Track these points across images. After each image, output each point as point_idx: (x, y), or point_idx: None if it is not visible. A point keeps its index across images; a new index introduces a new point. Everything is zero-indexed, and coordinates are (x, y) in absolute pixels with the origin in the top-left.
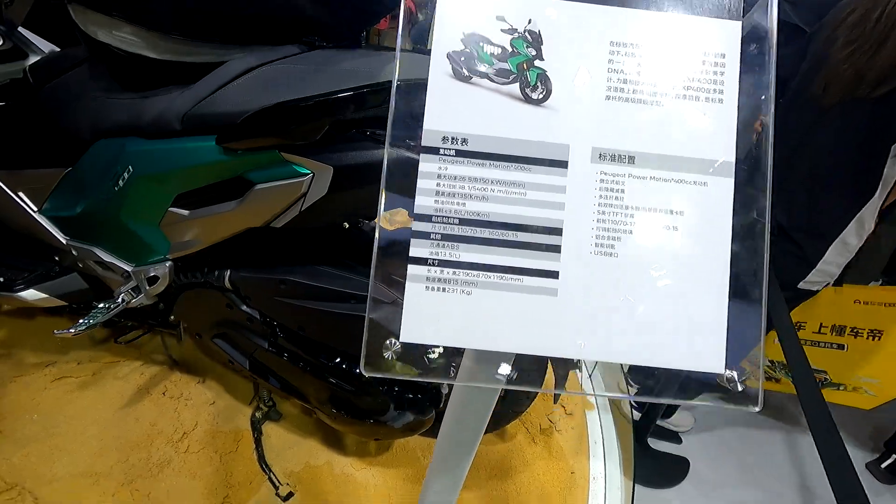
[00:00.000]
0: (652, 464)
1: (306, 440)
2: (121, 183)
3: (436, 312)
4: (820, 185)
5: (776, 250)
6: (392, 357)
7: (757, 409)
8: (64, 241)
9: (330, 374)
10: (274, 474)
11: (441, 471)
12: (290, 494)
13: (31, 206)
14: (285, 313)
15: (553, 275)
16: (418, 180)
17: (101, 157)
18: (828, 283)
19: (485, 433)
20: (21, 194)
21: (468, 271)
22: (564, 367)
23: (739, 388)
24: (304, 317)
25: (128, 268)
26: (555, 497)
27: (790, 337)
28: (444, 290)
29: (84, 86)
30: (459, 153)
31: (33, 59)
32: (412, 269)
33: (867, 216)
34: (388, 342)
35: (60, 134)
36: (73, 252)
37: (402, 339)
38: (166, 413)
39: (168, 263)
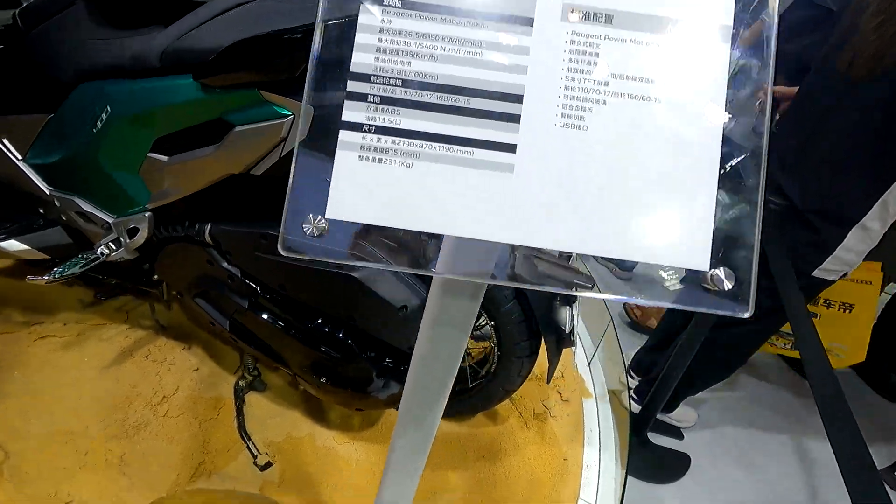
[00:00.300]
0: (651, 458)
1: (290, 411)
2: (99, 125)
3: (369, 186)
4: (839, 167)
5: (789, 235)
6: (314, 234)
7: (747, 313)
8: (47, 192)
9: (312, 339)
10: (253, 443)
11: (408, 423)
12: (269, 464)
13: (15, 155)
14: (266, 271)
15: (510, 148)
16: (356, 34)
17: (82, 101)
18: (845, 273)
19: (475, 413)
20: (5, 141)
21: (410, 140)
22: (558, 344)
23: (727, 287)
24: (285, 275)
25: (108, 219)
26: (545, 483)
27: (804, 326)
28: (380, 160)
29: (70, 29)
30: (406, 4)
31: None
32: (344, 135)
33: (892, 200)
34: (310, 217)
35: (45, 78)
36: (56, 203)
37: (328, 214)
38: (148, 376)
39: (148, 214)
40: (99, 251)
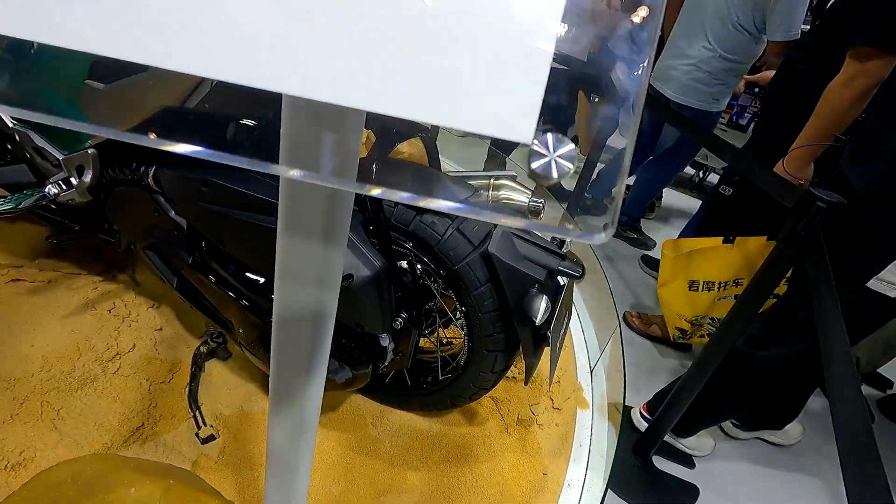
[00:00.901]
0: (653, 485)
1: (249, 384)
2: (36, 45)
3: None
4: None
5: (839, 230)
6: None
7: (603, 235)
8: (10, 125)
9: (256, 307)
10: (200, 413)
11: (280, 401)
12: (211, 437)
13: None
14: (208, 222)
15: None
16: None
17: None
18: None
19: (444, 408)
20: None
21: None
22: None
23: (553, 178)
24: (224, 227)
25: (59, 155)
26: (516, 497)
27: (835, 345)
28: None
29: None
30: None
31: None
32: None
33: None
34: None
35: None
36: (17, 137)
37: None
38: (105, 330)
39: (91, 152)
40: (48, 189)
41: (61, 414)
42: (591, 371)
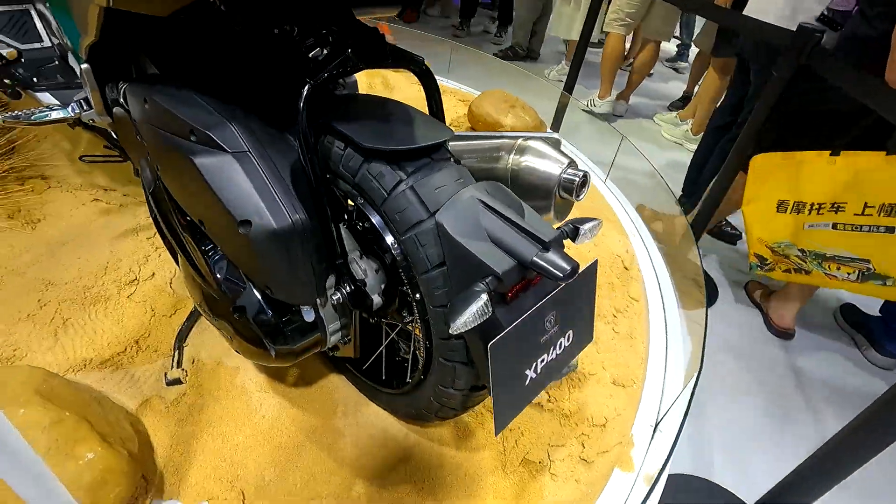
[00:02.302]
0: None
1: None
2: None
3: None
4: None
5: None
6: None
7: None
8: (54, 42)
9: (189, 253)
10: (180, 354)
11: None
12: (177, 381)
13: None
14: (149, 144)
15: None
16: None
17: None
18: None
19: (409, 419)
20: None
21: None
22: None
23: None
24: (158, 152)
25: (78, 70)
26: None
27: None
28: None
29: None
30: None
31: None
32: None
33: None
34: None
35: None
36: (58, 51)
37: None
38: (135, 255)
39: (85, 66)
40: (70, 107)
41: (66, 324)
42: (656, 425)
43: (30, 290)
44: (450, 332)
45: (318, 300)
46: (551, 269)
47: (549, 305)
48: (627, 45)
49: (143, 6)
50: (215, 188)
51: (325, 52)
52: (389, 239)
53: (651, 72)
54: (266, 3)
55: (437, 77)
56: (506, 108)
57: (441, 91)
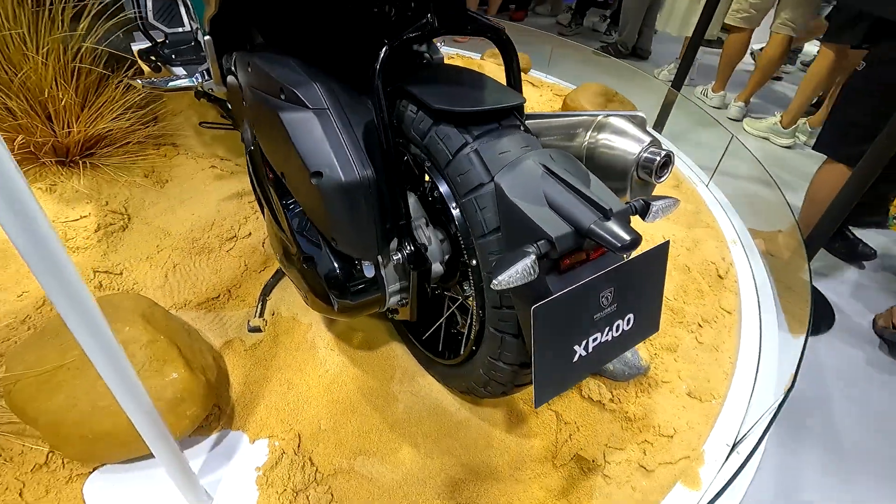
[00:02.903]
0: None
1: None
2: None
3: None
4: None
5: None
6: None
7: None
8: (193, 27)
9: (275, 209)
10: (263, 305)
11: None
12: (257, 329)
13: None
14: (251, 107)
15: None
16: None
17: None
18: None
19: (461, 392)
20: None
21: None
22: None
23: None
24: (252, 113)
25: (202, 43)
26: None
27: None
28: None
29: None
30: None
31: None
32: None
33: None
34: None
35: None
36: (194, 34)
37: None
38: (238, 216)
39: (206, 38)
40: (195, 77)
41: (175, 268)
42: (734, 445)
43: (152, 237)
44: (492, 286)
45: (379, 258)
46: (609, 237)
47: (607, 281)
48: (756, 46)
49: None
50: (295, 141)
51: (405, 15)
52: (452, 205)
53: (781, 72)
54: None
55: (537, 72)
56: (602, 101)
57: (538, 85)
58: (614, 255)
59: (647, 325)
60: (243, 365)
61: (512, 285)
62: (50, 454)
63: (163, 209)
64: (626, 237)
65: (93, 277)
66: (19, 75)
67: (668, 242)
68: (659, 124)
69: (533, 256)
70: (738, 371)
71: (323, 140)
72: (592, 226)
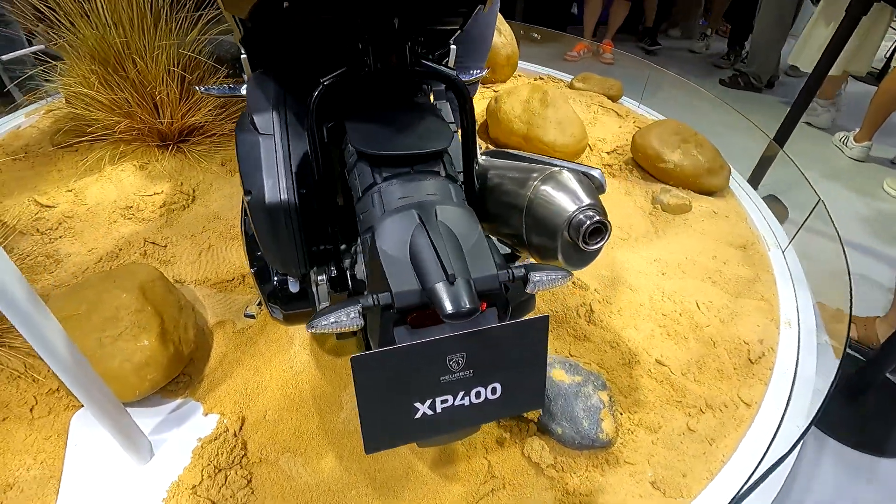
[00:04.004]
0: None
1: None
2: None
3: None
4: None
5: None
6: None
7: None
8: None
9: None
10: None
11: None
12: (251, 316)
13: None
14: None
15: None
16: None
17: None
18: None
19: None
20: None
21: None
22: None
23: None
24: None
25: None
26: None
27: None
28: None
29: None
30: None
31: None
32: None
33: None
34: None
35: None
36: None
37: None
38: None
39: (243, 56)
40: (241, 88)
41: (209, 249)
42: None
43: (203, 218)
44: (307, 329)
45: (312, 276)
46: (441, 302)
47: (454, 344)
48: None
49: (232, 9)
50: (239, 160)
51: (348, 55)
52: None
53: None
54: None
55: (629, 101)
56: (676, 141)
57: (624, 115)
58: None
59: (524, 399)
60: (226, 345)
61: (326, 331)
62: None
63: (223, 195)
64: (452, 307)
65: (142, 245)
66: (134, 71)
67: (545, 318)
68: (754, 177)
69: (359, 306)
70: (725, 474)
71: (259, 163)
72: (432, 286)
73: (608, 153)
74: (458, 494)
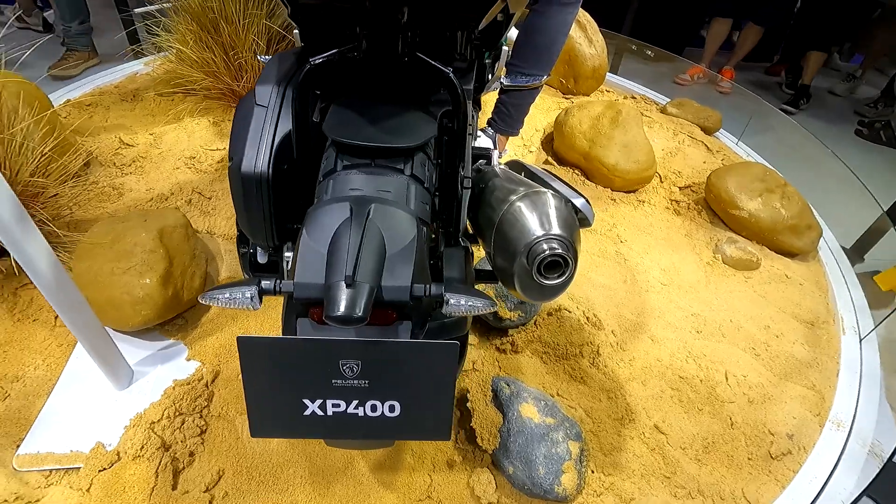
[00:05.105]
0: None
1: None
2: None
3: None
4: None
5: None
6: None
7: None
8: None
9: None
10: None
11: None
12: None
13: None
14: None
15: None
16: None
17: None
18: None
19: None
20: None
21: None
22: None
23: None
24: None
25: None
26: None
27: None
28: None
29: None
30: None
31: None
32: None
33: None
34: None
35: None
36: None
37: None
38: None
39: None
40: None
41: None
42: None
43: None
44: (199, 299)
45: (281, 250)
46: (329, 301)
47: (347, 350)
48: None
49: None
50: (233, 125)
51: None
52: None
53: None
54: None
55: (727, 136)
56: (758, 188)
57: (715, 150)
58: (376, 328)
59: (428, 426)
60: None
61: (219, 305)
62: None
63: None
64: (334, 308)
65: (190, 193)
66: (226, 34)
67: (454, 344)
68: (858, 247)
69: (256, 288)
70: None
71: (245, 131)
72: (329, 283)
73: (680, 188)
74: (391, 503)
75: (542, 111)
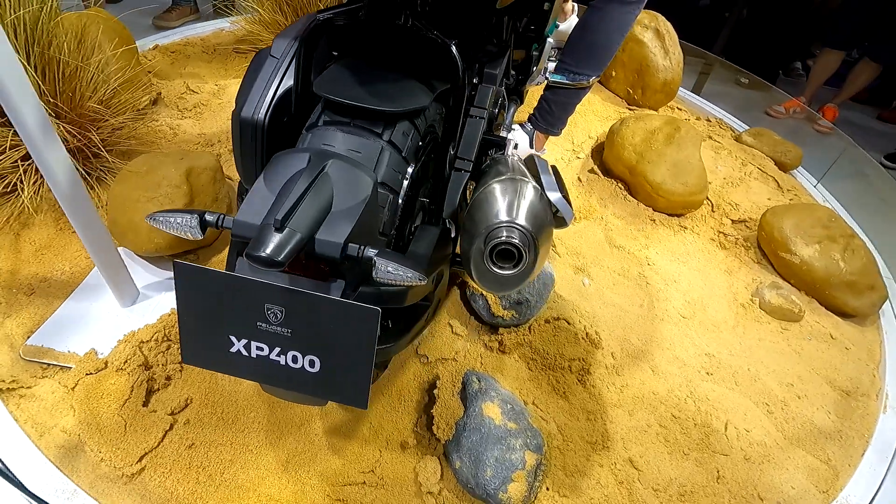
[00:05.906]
0: None
1: None
2: None
3: None
4: None
5: None
6: None
7: None
8: None
9: None
10: None
11: None
12: None
13: None
14: None
15: None
16: None
17: None
18: None
19: None
20: None
21: None
22: None
23: None
24: None
25: None
26: None
27: None
28: None
29: None
30: None
31: None
32: None
33: None
34: None
35: None
36: None
37: None
38: None
39: None
40: None
41: None
42: None
43: None
44: (145, 218)
45: None
46: (254, 241)
47: (273, 295)
48: None
49: None
50: (247, 73)
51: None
52: None
53: None
54: None
55: (805, 175)
56: (818, 234)
57: (787, 188)
58: (302, 278)
59: (346, 391)
60: None
61: (161, 228)
62: None
63: None
64: (258, 249)
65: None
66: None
67: (375, 310)
68: None
69: (197, 216)
70: None
71: (254, 80)
72: (260, 223)
73: (733, 221)
74: (332, 469)
75: (601, 119)
